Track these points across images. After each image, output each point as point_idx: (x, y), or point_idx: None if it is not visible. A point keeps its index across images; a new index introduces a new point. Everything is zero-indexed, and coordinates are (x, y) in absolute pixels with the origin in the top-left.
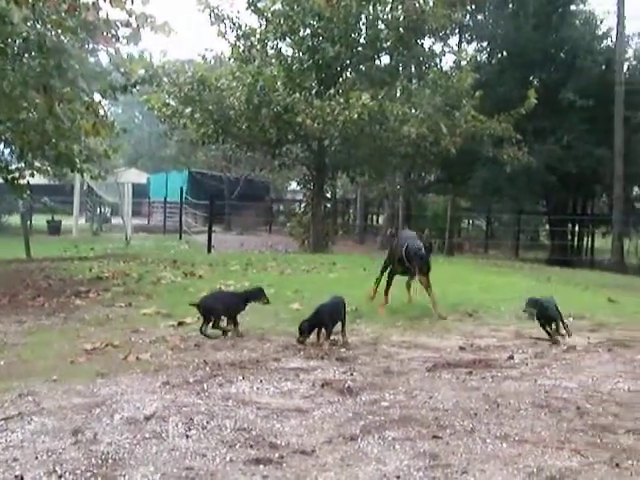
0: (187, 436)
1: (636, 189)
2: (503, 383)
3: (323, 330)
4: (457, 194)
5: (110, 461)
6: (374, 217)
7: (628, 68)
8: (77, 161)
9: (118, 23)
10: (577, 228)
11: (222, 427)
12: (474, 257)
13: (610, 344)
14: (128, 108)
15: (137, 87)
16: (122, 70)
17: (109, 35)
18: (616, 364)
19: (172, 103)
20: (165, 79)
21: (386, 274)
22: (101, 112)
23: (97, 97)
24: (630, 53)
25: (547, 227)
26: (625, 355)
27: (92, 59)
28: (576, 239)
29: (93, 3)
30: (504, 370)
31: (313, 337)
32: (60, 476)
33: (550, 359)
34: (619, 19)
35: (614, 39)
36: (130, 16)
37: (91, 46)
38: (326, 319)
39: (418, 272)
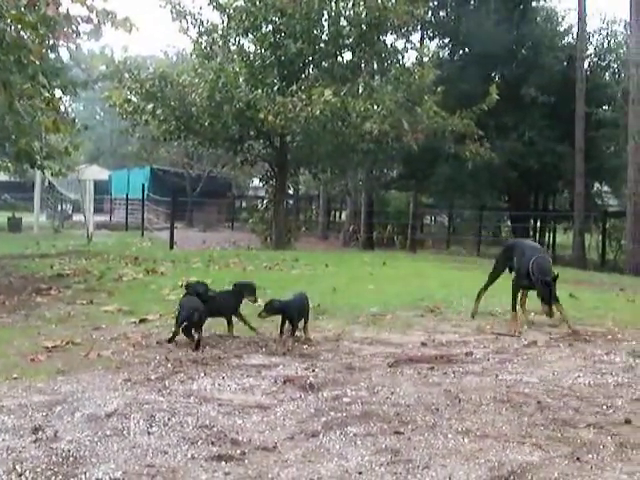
0: (149, 433)
1: (597, 185)
2: (464, 378)
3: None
4: (419, 190)
5: (71, 459)
6: (337, 213)
7: (589, 65)
8: (37, 158)
9: (79, 19)
10: (539, 224)
11: (184, 424)
12: (436, 253)
13: (571, 339)
14: (89, 104)
15: (98, 83)
16: (83, 66)
17: (70, 31)
18: (576, 359)
19: (134, 99)
20: (126, 75)
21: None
22: (62, 108)
23: (58, 93)
24: (591, 50)
25: (509, 223)
26: (585, 350)
27: (52, 55)
28: (538, 235)
29: None
30: (465, 365)
31: (275, 333)
32: (20, 474)
33: (511, 354)
34: (580, 16)
35: (575, 36)
36: (91, 12)
37: (51, 42)
38: (293, 313)
39: (542, 301)
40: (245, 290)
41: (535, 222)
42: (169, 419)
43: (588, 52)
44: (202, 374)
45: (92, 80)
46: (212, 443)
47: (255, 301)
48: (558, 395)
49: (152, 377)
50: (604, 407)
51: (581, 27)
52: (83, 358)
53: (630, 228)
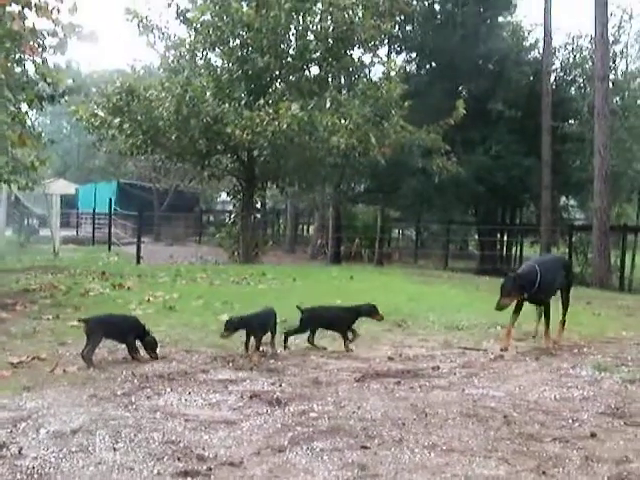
0: (114, 449)
1: (563, 199)
2: (431, 393)
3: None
4: (387, 204)
5: (36, 476)
6: (304, 227)
7: (555, 79)
8: (3, 172)
9: (45, 33)
10: (506, 237)
11: (150, 440)
12: (404, 267)
13: (537, 353)
14: (56, 118)
15: (65, 97)
16: (49, 80)
17: (35, 45)
18: (543, 373)
19: (100, 113)
20: (93, 89)
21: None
22: (28, 122)
23: (24, 107)
24: (557, 64)
25: (476, 237)
26: (552, 364)
27: (18, 69)
28: (505, 248)
29: (19, 12)
30: (432, 380)
31: (241, 348)
32: None
33: (478, 368)
34: (546, 31)
35: (541, 51)
36: (57, 26)
37: (17, 56)
38: (256, 328)
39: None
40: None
41: (502, 236)
42: (135, 435)
43: (554, 67)
44: (168, 389)
45: (58, 94)
46: (178, 459)
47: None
48: (524, 409)
49: (118, 393)
50: (570, 421)
51: (547, 42)
52: (49, 374)
53: (596, 242)
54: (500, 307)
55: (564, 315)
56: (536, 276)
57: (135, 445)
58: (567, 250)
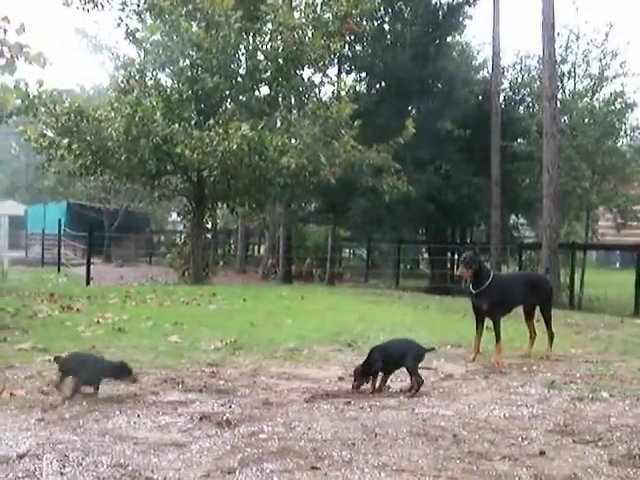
0: (61, 474)
1: (513, 217)
2: (381, 412)
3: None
4: (337, 224)
5: None
6: (255, 247)
7: (504, 99)
8: None
9: None
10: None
11: (98, 463)
12: (355, 286)
13: (487, 372)
14: (4, 138)
15: (13, 117)
16: None
17: None
18: (492, 391)
19: (49, 134)
20: (42, 109)
21: None
22: None
23: None
24: (505, 84)
25: (427, 256)
26: (501, 382)
27: None
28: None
29: None
30: (382, 399)
31: (192, 369)
32: None
33: (428, 387)
34: (495, 51)
35: (490, 70)
36: (4, 46)
37: None
38: None
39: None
40: None
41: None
42: (83, 459)
43: (503, 86)
44: (117, 412)
45: (6, 114)
46: None
47: None
48: (474, 428)
49: (66, 416)
50: (519, 439)
51: (495, 62)
52: None
53: (545, 259)
54: (459, 275)
55: (549, 330)
56: (488, 277)
57: (83, 469)
58: (517, 268)
